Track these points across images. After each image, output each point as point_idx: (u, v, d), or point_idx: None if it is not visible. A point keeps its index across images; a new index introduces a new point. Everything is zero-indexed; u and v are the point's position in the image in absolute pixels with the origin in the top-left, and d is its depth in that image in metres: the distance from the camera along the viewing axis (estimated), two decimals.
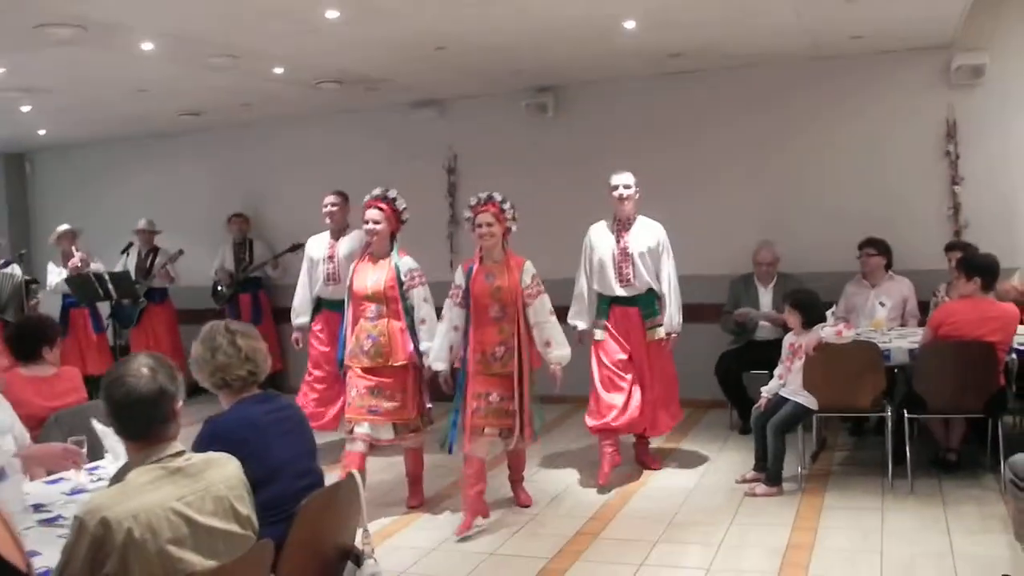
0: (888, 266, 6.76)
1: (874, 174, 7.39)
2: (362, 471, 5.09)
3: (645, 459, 6.11)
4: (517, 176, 8.29)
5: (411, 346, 5.25)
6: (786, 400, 5.50)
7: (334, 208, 6.61)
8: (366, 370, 5.24)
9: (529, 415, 5.09)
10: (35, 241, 10.74)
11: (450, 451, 5.21)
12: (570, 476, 6.02)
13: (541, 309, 5.11)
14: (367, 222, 5.27)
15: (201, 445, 2.85)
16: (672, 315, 5.85)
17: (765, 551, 4.51)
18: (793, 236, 7.40)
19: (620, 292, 5.83)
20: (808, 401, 5.42)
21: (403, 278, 5.26)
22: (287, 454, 3.02)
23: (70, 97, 7.48)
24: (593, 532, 4.94)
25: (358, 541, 3.12)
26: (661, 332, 5.84)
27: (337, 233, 6.65)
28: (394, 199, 5.33)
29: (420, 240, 8.23)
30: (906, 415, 5.37)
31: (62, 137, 10.17)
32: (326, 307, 6.63)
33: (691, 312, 7.01)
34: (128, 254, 9.34)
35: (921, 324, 6.34)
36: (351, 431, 5.26)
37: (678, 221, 7.27)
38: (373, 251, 5.34)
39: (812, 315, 5.57)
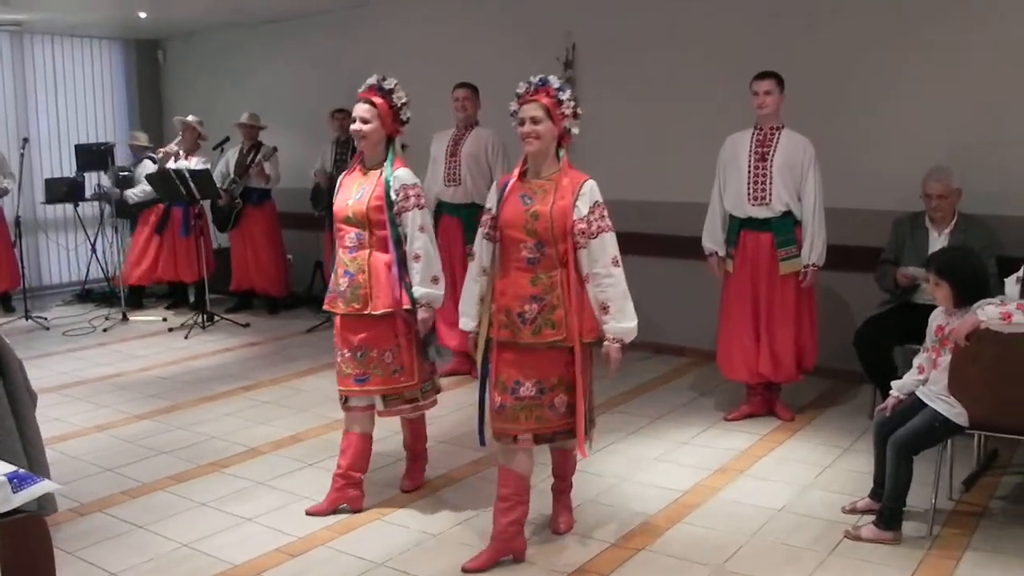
0: None
1: None
2: (360, 461, 4.13)
3: (776, 409, 5.43)
4: (648, 71, 6.78)
5: (399, 289, 3.93)
6: (923, 406, 3.82)
7: (466, 101, 6.19)
8: (344, 319, 4.03)
9: (584, 418, 3.52)
10: (168, 129, 10.28)
11: (481, 443, 3.78)
12: (620, 469, 4.63)
13: (600, 253, 3.45)
14: (354, 120, 4.01)
15: None
16: (814, 244, 5.08)
17: None
18: (991, 162, 5.37)
19: (752, 212, 5.14)
20: (953, 412, 3.71)
21: (393, 196, 3.93)
22: None
23: None
24: (598, 571, 3.57)
25: None
26: (797, 264, 5.11)
27: (464, 129, 6.26)
28: (390, 91, 4.05)
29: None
30: None
31: (185, 22, 9.55)
32: (446, 211, 6.29)
33: (837, 256, 5.36)
34: (223, 150, 8.58)
35: None
36: (346, 404, 4.13)
37: (830, 134, 5.62)
38: (364, 160, 4.09)
39: (968, 288, 3.78)
